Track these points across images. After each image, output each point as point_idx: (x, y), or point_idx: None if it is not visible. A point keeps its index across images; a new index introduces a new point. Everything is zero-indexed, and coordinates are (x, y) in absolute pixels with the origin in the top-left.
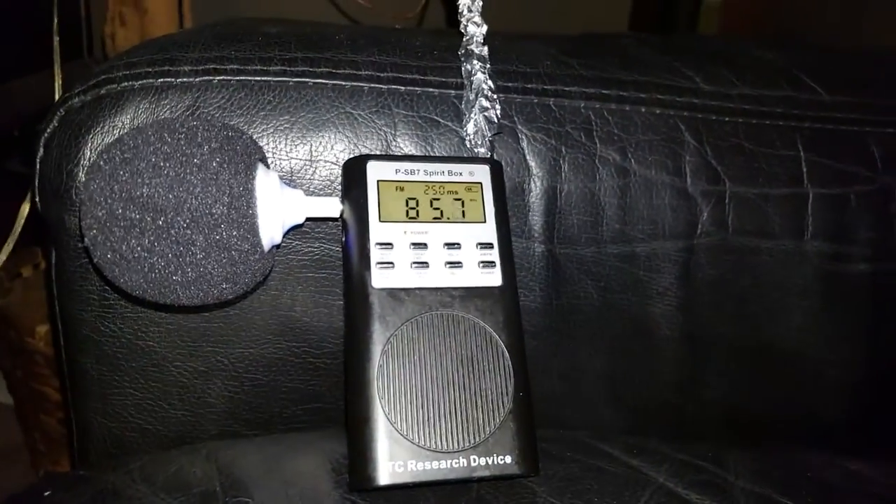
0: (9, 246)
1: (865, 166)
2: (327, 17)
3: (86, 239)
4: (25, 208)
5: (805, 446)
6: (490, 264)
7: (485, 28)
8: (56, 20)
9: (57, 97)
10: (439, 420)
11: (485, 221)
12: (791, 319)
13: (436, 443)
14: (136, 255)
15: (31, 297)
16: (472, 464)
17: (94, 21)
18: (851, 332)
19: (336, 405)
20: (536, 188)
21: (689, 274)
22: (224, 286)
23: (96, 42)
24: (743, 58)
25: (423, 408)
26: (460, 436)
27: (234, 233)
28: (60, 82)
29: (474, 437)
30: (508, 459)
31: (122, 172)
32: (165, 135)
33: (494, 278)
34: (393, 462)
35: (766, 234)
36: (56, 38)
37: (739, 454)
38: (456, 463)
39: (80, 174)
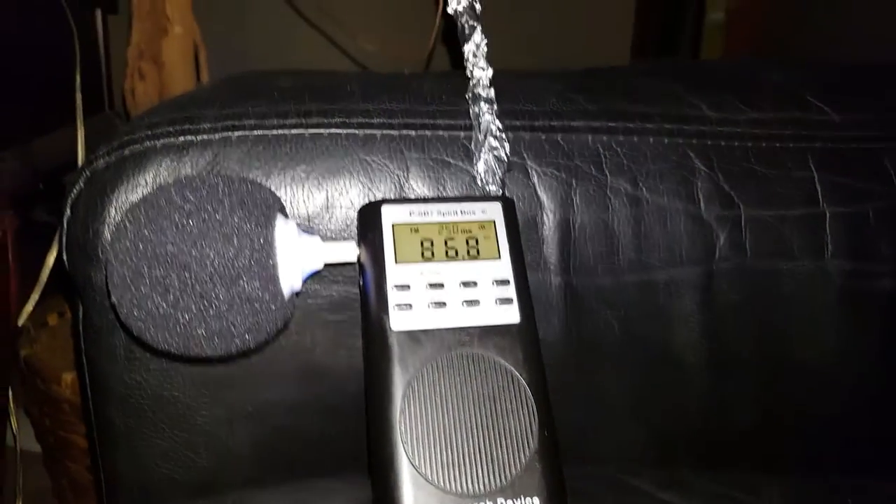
0: (35, 295)
1: (880, 182)
2: (338, 63)
3: (112, 297)
4: (51, 259)
5: (839, 470)
6: (507, 301)
7: (490, 72)
8: (79, 78)
9: (80, 152)
10: (464, 462)
11: (499, 258)
12: (818, 340)
13: (461, 486)
14: (162, 312)
15: (57, 345)
16: None
17: (114, 76)
18: (881, 350)
19: (359, 447)
20: (549, 221)
21: (711, 300)
22: (247, 336)
23: (116, 96)
24: (748, 82)
25: (446, 451)
26: (486, 478)
27: (256, 284)
28: (83, 138)
29: (500, 479)
30: (536, 501)
31: (146, 231)
32: (187, 192)
33: (512, 315)
34: None
35: (786, 255)
36: (79, 96)
37: (774, 482)
38: None
39: (106, 232)
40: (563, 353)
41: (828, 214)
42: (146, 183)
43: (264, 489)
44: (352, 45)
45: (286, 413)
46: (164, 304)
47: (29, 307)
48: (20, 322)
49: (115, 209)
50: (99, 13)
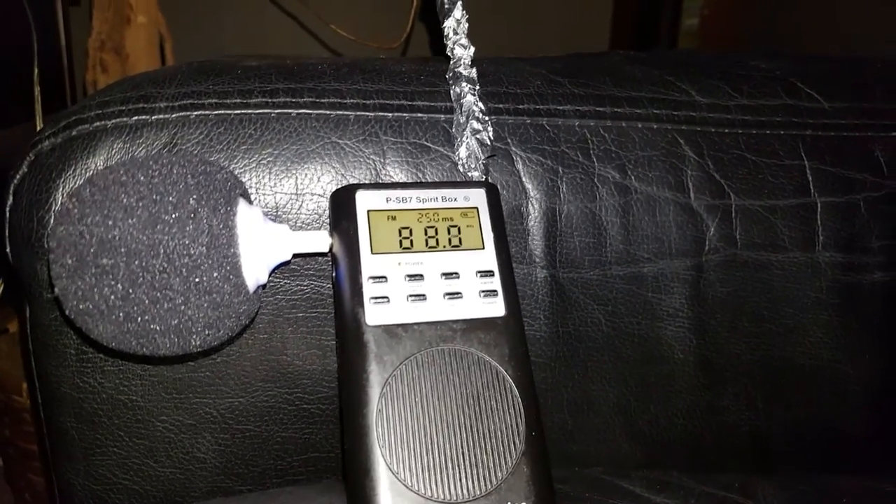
0: None
1: (871, 172)
2: (312, 52)
3: (55, 289)
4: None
5: (830, 468)
6: (492, 293)
7: (472, 50)
8: (37, 71)
9: None
10: (446, 467)
11: (483, 248)
12: (808, 335)
13: (443, 492)
14: (110, 304)
15: (17, 352)
16: None
17: (77, 71)
18: (871, 345)
19: (333, 454)
20: (535, 211)
21: (700, 293)
22: (207, 333)
23: (80, 92)
24: (737, 69)
25: (428, 454)
26: (470, 483)
27: (215, 274)
28: None
29: (485, 484)
30: None
31: (91, 215)
32: (138, 173)
33: (497, 308)
34: None
35: (776, 247)
36: (37, 89)
37: (766, 482)
38: None
39: (52, 220)
40: (548, 351)
41: (819, 205)
42: (96, 167)
43: (230, 500)
44: (326, 33)
45: (255, 419)
46: (112, 297)
47: None
48: None
49: (62, 195)
50: (59, 4)
